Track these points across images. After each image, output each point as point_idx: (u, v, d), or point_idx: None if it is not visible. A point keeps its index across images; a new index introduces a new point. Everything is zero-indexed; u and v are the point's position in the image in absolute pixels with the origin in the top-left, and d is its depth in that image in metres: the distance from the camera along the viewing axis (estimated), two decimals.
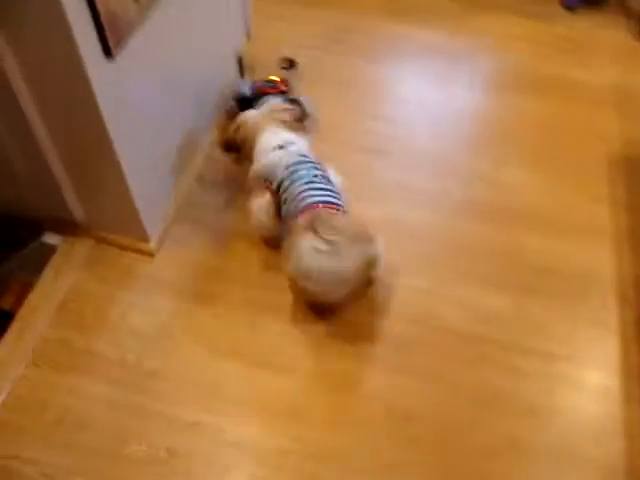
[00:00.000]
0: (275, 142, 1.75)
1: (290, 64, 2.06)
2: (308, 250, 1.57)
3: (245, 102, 2.05)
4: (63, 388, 1.62)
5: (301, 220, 1.61)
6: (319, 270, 1.57)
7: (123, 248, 1.87)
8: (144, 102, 1.66)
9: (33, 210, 1.87)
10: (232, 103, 2.09)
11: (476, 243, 1.88)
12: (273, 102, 1.86)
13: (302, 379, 1.64)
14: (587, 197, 1.97)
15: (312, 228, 1.58)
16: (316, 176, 1.70)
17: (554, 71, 2.29)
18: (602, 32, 2.46)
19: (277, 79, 2.07)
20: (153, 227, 1.85)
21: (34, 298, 1.80)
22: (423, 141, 2.05)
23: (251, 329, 1.73)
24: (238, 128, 1.81)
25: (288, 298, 1.78)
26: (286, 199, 1.69)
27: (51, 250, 1.90)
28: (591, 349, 1.70)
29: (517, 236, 1.89)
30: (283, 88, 2.05)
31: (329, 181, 1.72)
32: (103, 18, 1.41)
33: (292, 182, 1.69)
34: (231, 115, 1.93)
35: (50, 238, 1.92)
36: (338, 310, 1.73)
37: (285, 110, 1.83)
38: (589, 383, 1.65)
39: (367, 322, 1.73)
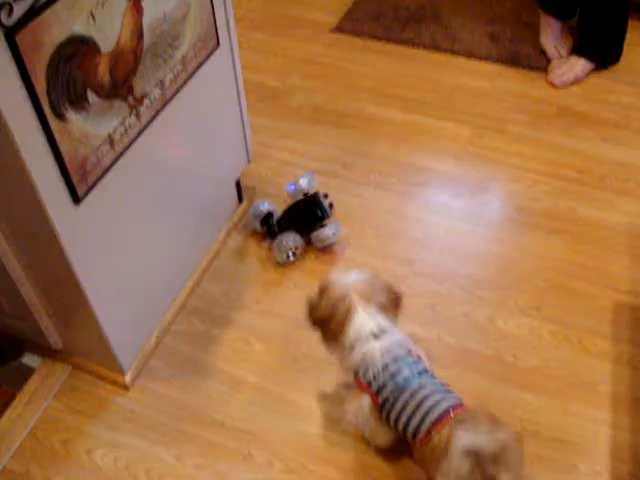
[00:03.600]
0: (370, 327, 1.51)
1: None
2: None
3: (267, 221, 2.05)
4: None
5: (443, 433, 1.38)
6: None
7: (98, 377, 1.83)
8: (119, 240, 1.63)
9: (15, 331, 1.86)
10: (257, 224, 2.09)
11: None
12: (369, 275, 1.58)
13: None
14: (588, 352, 1.85)
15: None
16: (420, 373, 1.50)
17: (567, 207, 2.19)
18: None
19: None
20: (128, 360, 1.80)
21: (4, 424, 1.77)
22: (419, 283, 1.98)
23: (216, 478, 1.67)
24: (324, 291, 1.56)
25: (260, 451, 1.70)
26: (400, 409, 1.47)
27: (29, 372, 1.88)
28: None
29: (507, 391, 1.79)
30: None
31: (431, 373, 1.53)
32: (70, 167, 1.40)
33: (398, 389, 1.48)
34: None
35: (29, 359, 1.90)
36: None
37: (385, 290, 1.58)
38: None
39: None
